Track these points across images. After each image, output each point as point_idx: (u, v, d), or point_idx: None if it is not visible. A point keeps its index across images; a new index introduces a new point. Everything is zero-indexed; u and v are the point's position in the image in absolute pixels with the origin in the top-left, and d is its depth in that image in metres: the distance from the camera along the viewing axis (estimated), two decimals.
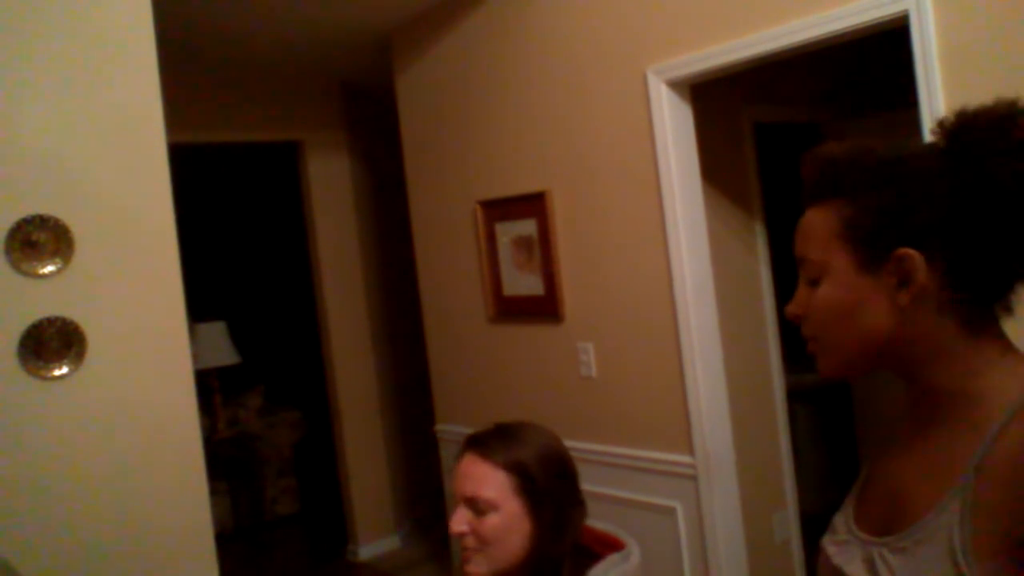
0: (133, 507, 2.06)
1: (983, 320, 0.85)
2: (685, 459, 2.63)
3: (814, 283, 0.90)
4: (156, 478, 2.10)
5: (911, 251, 0.82)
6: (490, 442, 1.36)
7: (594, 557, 1.33)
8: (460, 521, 1.32)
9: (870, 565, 0.87)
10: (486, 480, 1.32)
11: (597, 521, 1.42)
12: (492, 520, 1.30)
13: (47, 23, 2.02)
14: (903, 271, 0.83)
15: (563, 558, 1.31)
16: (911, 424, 0.93)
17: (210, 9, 3.22)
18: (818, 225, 0.89)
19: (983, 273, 0.83)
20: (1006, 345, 0.86)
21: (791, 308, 0.93)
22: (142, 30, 2.15)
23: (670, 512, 2.69)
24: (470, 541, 1.32)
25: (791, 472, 3.34)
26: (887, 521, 0.89)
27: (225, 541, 2.77)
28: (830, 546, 0.96)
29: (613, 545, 1.36)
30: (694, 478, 2.61)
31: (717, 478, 2.60)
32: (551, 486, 1.33)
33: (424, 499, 4.68)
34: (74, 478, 1.99)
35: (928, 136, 0.91)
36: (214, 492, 4.02)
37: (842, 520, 0.97)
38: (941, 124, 0.86)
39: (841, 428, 4.08)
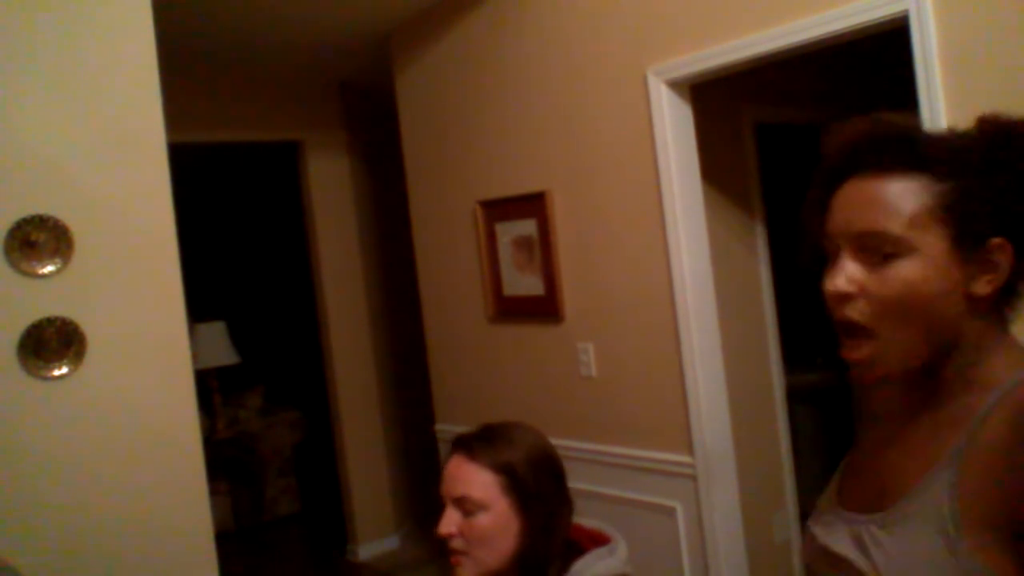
0: (133, 507, 2.06)
1: (1009, 312, 0.86)
2: (685, 459, 2.63)
3: (880, 259, 0.82)
4: (156, 478, 2.10)
5: (1006, 241, 0.80)
6: (477, 443, 1.36)
7: (581, 553, 1.33)
8: (449, 523, 1.32)
9: (858, 542, 0.87)
10: (474, 481, 1.32)
11: (587, 518, 1.42)
12: (481, 521, 1.30)
13: (47, 23, 2.02)
14: (993, 261, 0.81)
15: (551, 556, 1.31)
16: (905, 411, 0.92)
17: (210, 9, 3.21)
18: (903, 198, 0.81)
19: None
20: (1009, 335, 0.87)
21: (841, 284, 0.83)
22: (142, 30, 2.15)
23: (670, 512, 2.68)
24: (458, 543, 1.31)
25: (791, 472, 3.34)
26: (874, 499, 0.89)
27: (225, 541, 2.77)
28: (815, 527, 0.95)
29: (601, 541, 1.37)
30: (694, 478, 2.61)
31: (717, 478, 2.60)
32: (539, 485, 1.33)
33: (424, 499, 4.68)
34: (73, 478, 1.99)
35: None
36: (214, 492, 4.02)
37: (827, 501, 0.97)
38: (990, 124, 0.84)
39: (841, 428, 4.08)
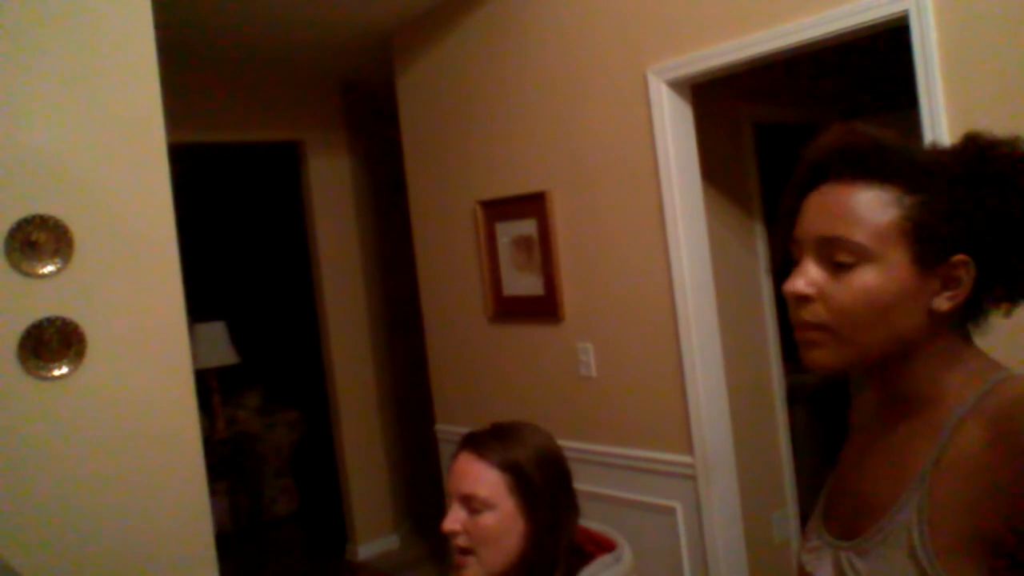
0: (132, 507, 2.06)
1: (967, 328, 0.87)
2: (685, 459, 2.63)
3: (842, 265, 0.83)
4: (156, 478, 2.10)
5: (969, 258, 0.81)
6: (486, 441, 1.36)
7: (587, 557, 1.32)
8: (454, 520, 1.31)
9: (838, 569, 0.87)
10: (481, 479, 1.31)
11: (592, 521, 1.42)
12: (487, 519, 1.29)
13: (47, 23, 2.02)
14: (955, 277, 0.81)
15: (556, 559, 1.30)
16: (876, 426, 0.93)
17: (210, 9, 3.21)
18: (872, 208, 0.82)
19: (1011, 287, 0.83)
20: (974, 349, 0.87)
21: (800, 286, 0.84)
22: (142, 30, 2.15)
23: (670, 512, 2.69)
24: (462, 540, 1.31)
25: (790, 472, 3.34)
26: (853, 524, 0.89)
27: (224, 541, 2.77)
28: (804, 554, 0.96)
29: (605, 545, 1.36)
30: (693, 478, 2.61)
31: (717, 478, 2.60)
32: (546, 486, 1.32)
33: (423, 499, 4.68)
34: (73, 478, 1.99)
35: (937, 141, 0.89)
36: (213, 492, 4.00)
37: (814, 526, 0.97)
38: (972, 141, 0.84)
39: (840, 428, 4.08)
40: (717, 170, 3.06)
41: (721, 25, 2.40)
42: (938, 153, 0.86)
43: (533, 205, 3.05)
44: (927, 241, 0.81)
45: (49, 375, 1.97)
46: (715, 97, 2.97)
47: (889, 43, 2.28)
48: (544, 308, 3.06)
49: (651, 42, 2.61)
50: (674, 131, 2.59)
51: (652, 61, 2.60)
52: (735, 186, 3.23)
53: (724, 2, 2.39)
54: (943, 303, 0.82)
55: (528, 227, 3.09)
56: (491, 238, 3.27)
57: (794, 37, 2.21)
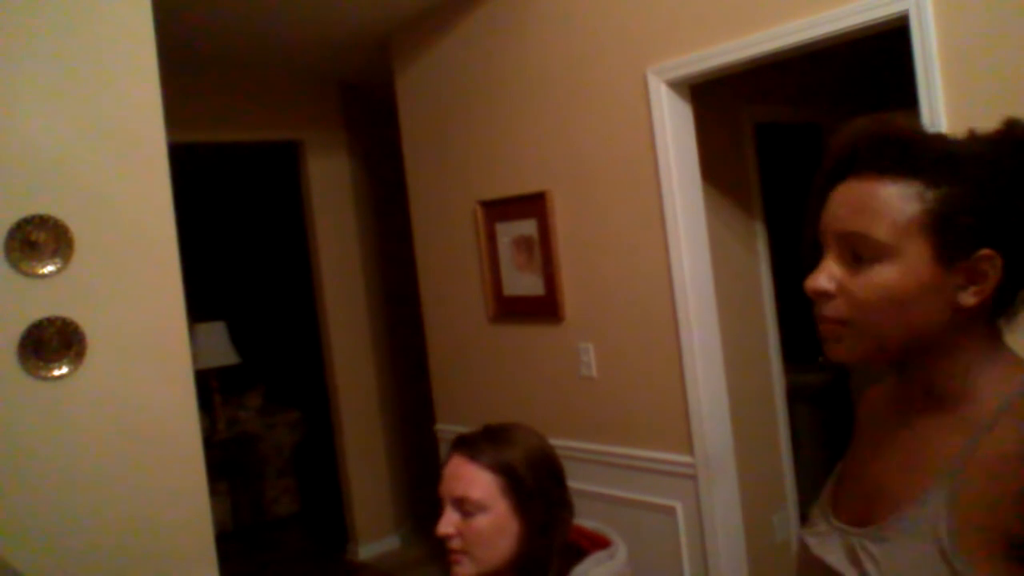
0: (133, 507, 2.06)
1: (998, 324, 0.86)
2: (685, 459, 2.63)
3: (862, 261, 0.82)
4: (156, 478, 2.10)
5: (995, 253, 0.79)
6: (478, 443, 1.36)
7: (582, 554, 1.32)
8: (448, 523, 1.31)
9: (851, 555, 0.86)
10: (474, 481, 1.31)
11: (592, 520, 1.42)
12: (480, 521, 1.29)
13: (47, 23, 2.02)
14: (979, 272, 0.80)
15: (551, 558, 1.31)
16: (895, 418, 0.92)
17: (210, 9, 3.22)
18: (892, 203, 0.81)
19: None
20: (1005, 346, 0.86)
21: (821, 283, 0.85)
22: (142, 30, 2.15)
23: (670, 512, 2.68)
24: (457, 543, 1.31)
25: (791, 472, 3.34)
26: (867, 512, 0.88)
27: (225, 541, 2.77)
28: (809, 537, 0.95)
29: (600, 543, 1.36)
30: (694, 478, 2.61)
31: (717, 478, 2.60)
32: (539, 487, 1.32)
33: (424, 499, 4.68)
34: (73, 478, 1.99)
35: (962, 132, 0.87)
36: (214, 492, 4.01)
37: (820, 512, 0.97)
38: (1012, 128, 0.82)
39: (841, 428, 4.08)
40: (717, 170, 3.06)
41: (721, 25, 2.40)
42: (973, 141, 0.84)
43: (533, 205, 3.05)
44: (948, 235, 0.80)
45: (49, 375, 1.97)
46: (715, 97, 2.97)
47: (890, 42, 2.28)
48: (544, 308, 3.06)
49: (651, 42, 2.60)
50: (674, 131, 2.59)
51: (652, 61, 2.60)
52: (735, 186, 3.23)
53: (724, 2, 2.39)
54: (968, 298, 0.81)
55: (528, 227, 3.09)
56: (491, 238, 3.27)
57: (794, 37, 2.21)
